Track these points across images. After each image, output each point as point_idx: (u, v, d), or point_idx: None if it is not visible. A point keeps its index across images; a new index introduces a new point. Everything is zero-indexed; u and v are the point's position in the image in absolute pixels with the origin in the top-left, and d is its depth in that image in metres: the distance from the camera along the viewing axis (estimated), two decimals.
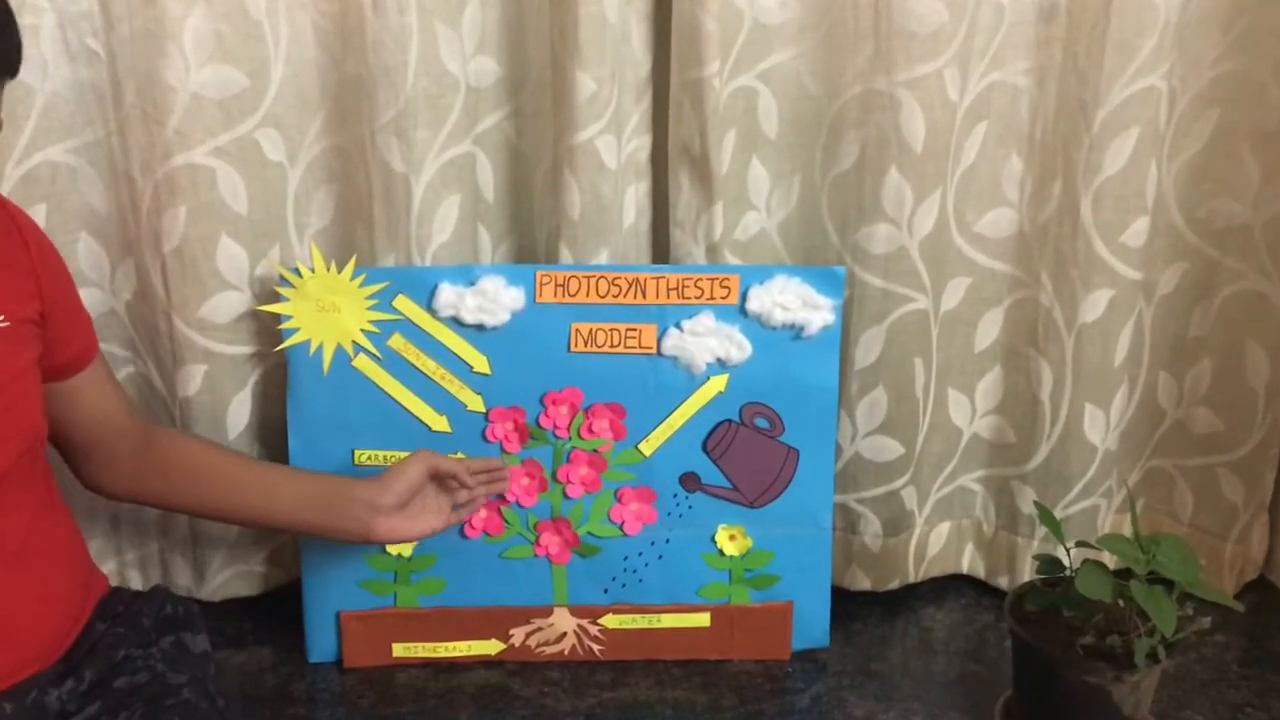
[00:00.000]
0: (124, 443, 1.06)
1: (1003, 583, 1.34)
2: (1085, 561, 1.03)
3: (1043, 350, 1.25)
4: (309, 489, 1.09)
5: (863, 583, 1.32)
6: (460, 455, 1.15)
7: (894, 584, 1.33)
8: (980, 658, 1.24)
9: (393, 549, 1.18)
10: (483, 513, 1.18)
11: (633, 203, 1.20)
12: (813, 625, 1.22)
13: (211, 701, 0.97)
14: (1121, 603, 1.00)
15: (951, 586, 1.37)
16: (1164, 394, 1.33)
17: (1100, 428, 1.25)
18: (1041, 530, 1.29)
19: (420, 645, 1.20)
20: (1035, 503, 1.14)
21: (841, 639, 1.25)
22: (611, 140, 1.14)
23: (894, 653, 1.25)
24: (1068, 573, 1.06)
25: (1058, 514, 1.27)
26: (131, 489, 1.08)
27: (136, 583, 1.28)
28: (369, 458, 1.17)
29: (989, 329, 1.28)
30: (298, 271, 1.13)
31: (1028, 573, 1.31)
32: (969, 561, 1.37)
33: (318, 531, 1.09)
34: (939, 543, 1.35)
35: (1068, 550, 1.06)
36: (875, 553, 1.31)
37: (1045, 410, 1.26)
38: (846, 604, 1.28)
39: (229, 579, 1.28)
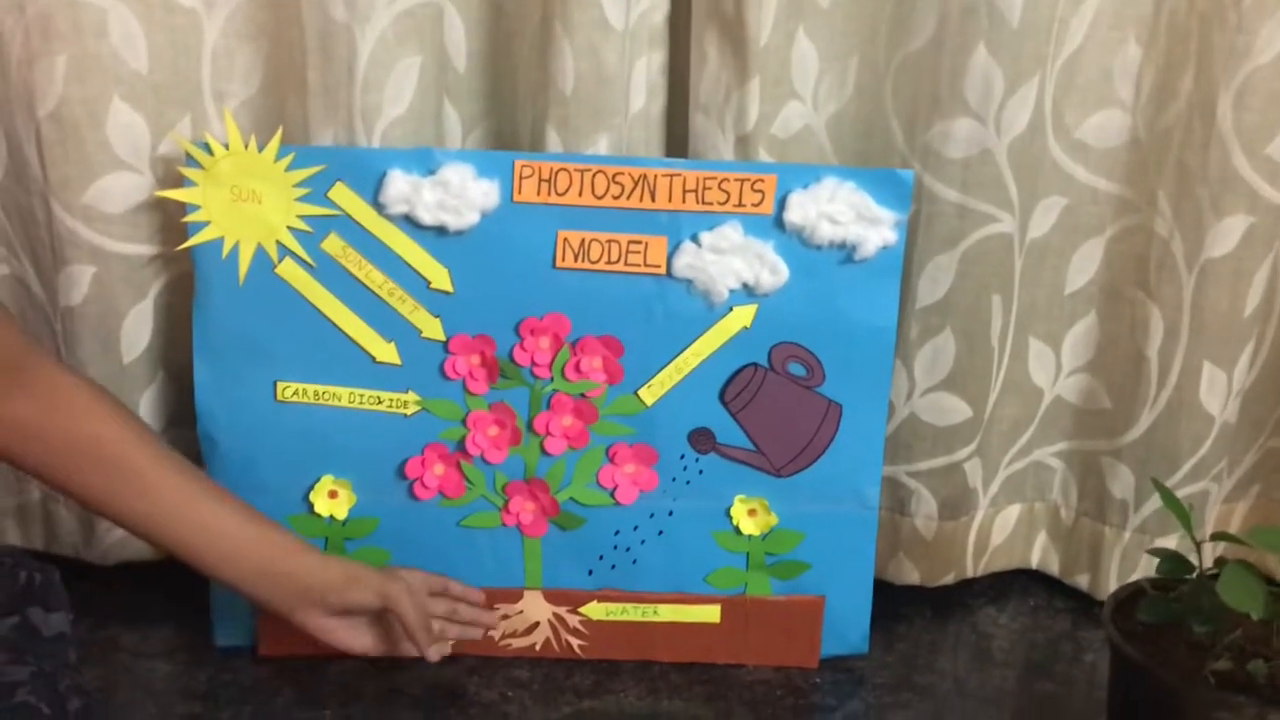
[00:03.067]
0: None
1: (1081, 582, 1.15)
2: (1226, 562, 0.82)
3: (1153, 293, 1.04)
4: (248, 535, 0.90)
5: (910, 576, 1.13)
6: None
7: (948, 578, 1.14)
8: (1053, 674, 1.06)
9: (324, 509, 1.00)
10: (438, 468, 1.00)
11: (643, 77, 0.99)
12: (848, 627, 1.06)
13: (59, 705, 0.76)
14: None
15: (1017, 584, 1.19)
16: None
17: (1220, 393, 1.05)
18: (1137, 519, 1.10)
19: None
20: (1154, 480, 0.93)
21: (882, 644, 1.09)
22: None
23: (945, 663, 1.08)
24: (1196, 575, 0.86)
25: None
26: None
27: (13, 537, 1.10)
28: (295, 393, 0.99)
29: (1085, 264, 1.07)
30: (207, 148, 0.93)
31: (1115, 571, 1.12)
32: (1040, 554, 1.18)
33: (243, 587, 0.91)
34: (1005, 529, 1.16)
35: (1197, 544, 0.86)
36: (927, 539, 1.11)
37: (1152, 369, 1.05)
38: (889, 601, 1.11)
39: (126, 538, 1.07)
